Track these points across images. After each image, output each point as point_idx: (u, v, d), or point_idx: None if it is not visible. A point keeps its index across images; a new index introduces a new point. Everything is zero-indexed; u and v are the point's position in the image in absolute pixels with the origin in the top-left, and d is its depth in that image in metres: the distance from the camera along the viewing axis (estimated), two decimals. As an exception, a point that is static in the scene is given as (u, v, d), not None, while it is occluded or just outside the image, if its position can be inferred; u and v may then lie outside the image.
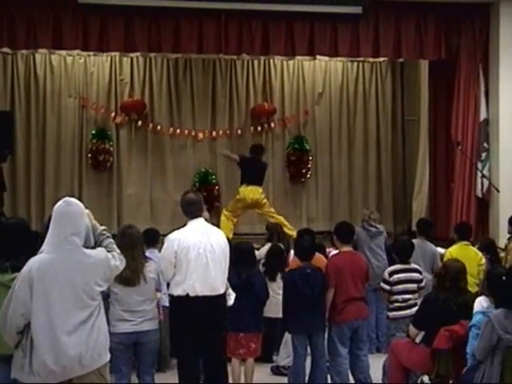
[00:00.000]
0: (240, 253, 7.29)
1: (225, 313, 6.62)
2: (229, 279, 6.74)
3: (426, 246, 9.32)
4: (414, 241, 9.39)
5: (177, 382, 6.72)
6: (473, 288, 8.35)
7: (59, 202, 4.75)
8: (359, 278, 7.45)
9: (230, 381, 7.17)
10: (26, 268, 4.59)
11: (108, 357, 4.74)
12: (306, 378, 7.49)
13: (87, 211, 4.93)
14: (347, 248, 7.61)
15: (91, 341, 4.56)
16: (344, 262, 7.43)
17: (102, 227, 4.98)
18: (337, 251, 8.11)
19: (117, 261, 4.82)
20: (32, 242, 5.61)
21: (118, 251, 4.90)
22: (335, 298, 7.34)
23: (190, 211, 6.64)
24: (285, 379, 7.66)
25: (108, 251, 4.81)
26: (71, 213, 4.67)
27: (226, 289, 6.64)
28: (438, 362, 6.43)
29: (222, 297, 6.53)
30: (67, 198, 4.78)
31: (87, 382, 4.58)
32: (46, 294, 4.51)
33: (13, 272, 5.33)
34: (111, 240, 4.91)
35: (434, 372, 6.47)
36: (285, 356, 8.38)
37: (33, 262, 4.61)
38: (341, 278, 7.34)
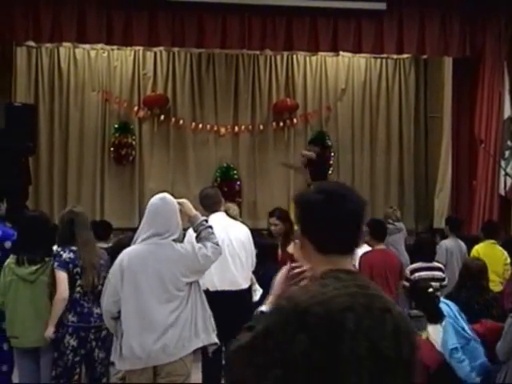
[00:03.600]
0: (258, 249, 7.30)
1: (249, 308, 6.55)
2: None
3: (461, 246, 9.31)
4: (447, 241, 9.38)
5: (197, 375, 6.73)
6: (497, 287, 8.32)
7: (156, 198, 4.94)
8: (392, 276, 7.35)
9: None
10: (118, 258, 4.85)
11: (193, 347, 4.90)
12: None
13: (184, 200, 5.07)
14: (381, 246, 7.55)
15: (176, 332, 4.75)
16: (377, 260, 7.37)
17: (203, 218, 5.14)
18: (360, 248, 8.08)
19: (208, 251, 4.93)
20: (51, 236, 5.66)
21: (215, 240, 5.01)
22: None
23: (207, 205, 6.67)
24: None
25: (204, 241, 4.94)
26: (166, 211, 4.87)
27: (252, 284, 6.61)
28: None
29: (246, 292, 6.50)
30: (164, 195, 4.97)
31: (170, 371, 4.79)
32: (135, 283, 4.73)
33: (29, 265, 5.37)
34: (210, 230, 5.05)
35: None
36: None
37: (124, 253, 4.85)
38: (373, 275, 7.28)
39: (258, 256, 7.06)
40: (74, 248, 5.56)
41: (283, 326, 2.13)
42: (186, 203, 5.08)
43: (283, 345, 2.11)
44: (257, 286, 6.76)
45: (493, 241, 9.13)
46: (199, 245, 4.93)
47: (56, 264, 5.52)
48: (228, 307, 6.29)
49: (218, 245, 5.02)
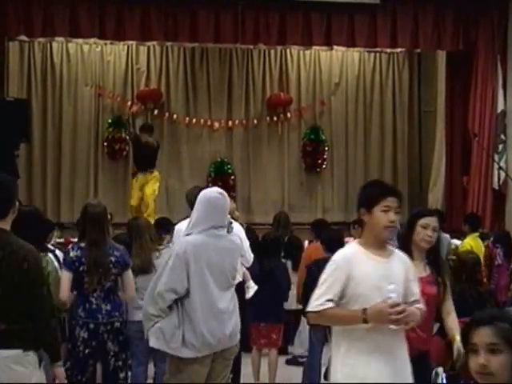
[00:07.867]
0: (264, 243, 7.35)
1: (240, 304, 6.50)
2: (251, 270, 6.71)
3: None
4: None
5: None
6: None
7: (214, 192, 5.17)
8: None
9: (249, 371, 7.24)
10: (180, 248, 4.95)
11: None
12: (323, 369, 7.43)
13: None
14: None
15: (236, 318, 5.09)
16: None
17: None
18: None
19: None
20: (45, 232, 5.60)
21: None
22: None
23: (191, 203, 6.75)
24: (300, 369, 7.62)
25: None
26: (225, 206, 5.14)
27: (246, 281, 6.60)
28: (452, 354, 6.41)
29: (236, 288, 6.41)
30: (222, 191, 5.23)
31: (226, 356, 5.04)
32: (201, 273, 4.90)
33: None
34: None
35: (448, 364, 6.45)
36: (299, 345, 8.37)
37: (186, 243, 4.94)
38: None
39: (261, 251, 7.10)
40: (82, 245, 5.52)
41: None
42: None
43: None
44: (250, 283, 6.71)
45: (477, 233, 9.22)
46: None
47: (62, 263, 5.52)
48: None
49: None
